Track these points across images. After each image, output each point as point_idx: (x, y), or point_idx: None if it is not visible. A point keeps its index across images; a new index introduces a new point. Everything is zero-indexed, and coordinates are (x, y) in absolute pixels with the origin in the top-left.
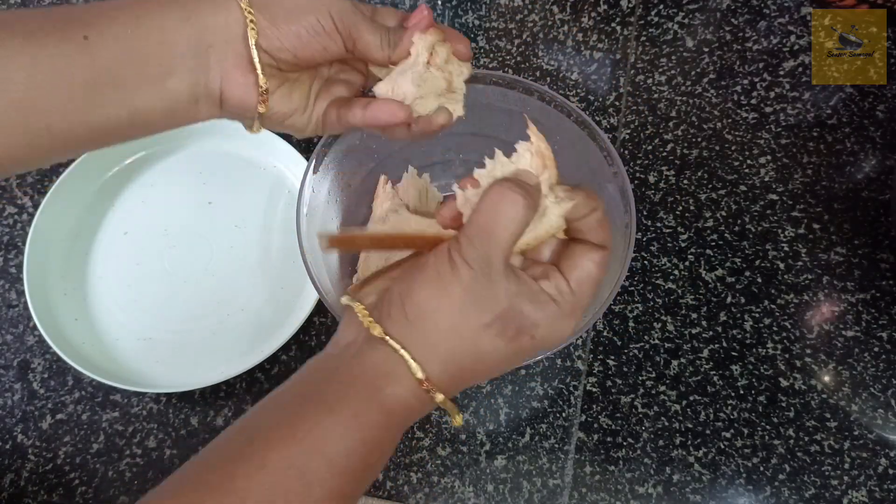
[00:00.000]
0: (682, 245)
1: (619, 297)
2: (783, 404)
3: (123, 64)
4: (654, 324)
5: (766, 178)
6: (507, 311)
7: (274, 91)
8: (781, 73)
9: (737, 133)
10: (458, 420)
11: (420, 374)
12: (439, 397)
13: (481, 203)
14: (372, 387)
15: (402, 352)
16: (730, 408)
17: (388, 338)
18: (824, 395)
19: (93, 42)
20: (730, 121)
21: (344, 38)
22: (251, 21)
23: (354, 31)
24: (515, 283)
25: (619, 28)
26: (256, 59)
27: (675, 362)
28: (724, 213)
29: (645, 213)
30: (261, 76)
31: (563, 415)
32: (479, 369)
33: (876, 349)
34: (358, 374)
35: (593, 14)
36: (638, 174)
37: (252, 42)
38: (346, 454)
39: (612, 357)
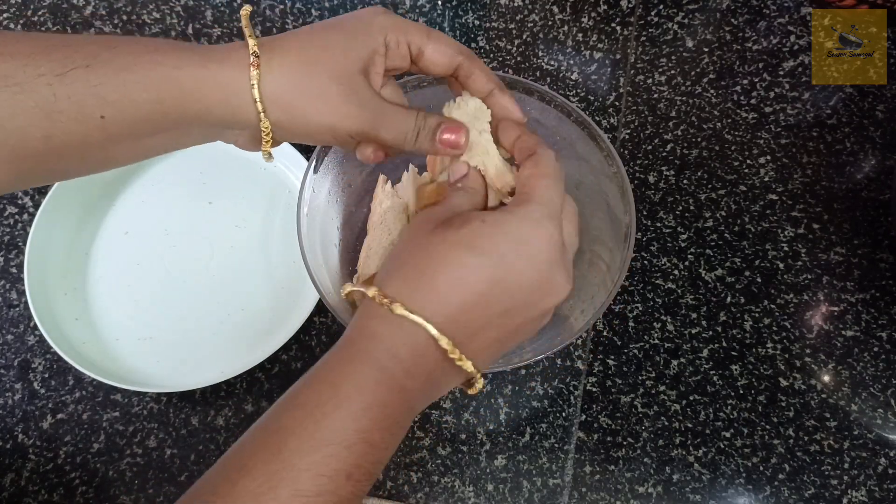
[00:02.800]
0: (682, 245)
1: (619, 297)
2: (783, 404)
3: (142, 125)
4: (654, 324)
5: (766, 178)
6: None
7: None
8: (781, 73)
9: (737, 133)
10: (478, 384)
11: (402, 312)
12: (443, 339)
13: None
14: (365, 352)
15: (395, 305)
16: (729, 407)
17: (383, 297)
18: (824, 395)
19: (111, 106)
20: (730, 121)
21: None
22: (266, 134)
23: (373, 138)
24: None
25: (619, 28)
26: (266, 154)
27: (674, 362)
28: (723, 213)
29: (645, 213)
30: (267, 154)
31: (563, 414)
32: (490, 314)
33: (876, 349)
34: (356, 345)
35: (593, 14)
36: (638, 174)
37: (266, 150)
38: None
39: (612, 357)
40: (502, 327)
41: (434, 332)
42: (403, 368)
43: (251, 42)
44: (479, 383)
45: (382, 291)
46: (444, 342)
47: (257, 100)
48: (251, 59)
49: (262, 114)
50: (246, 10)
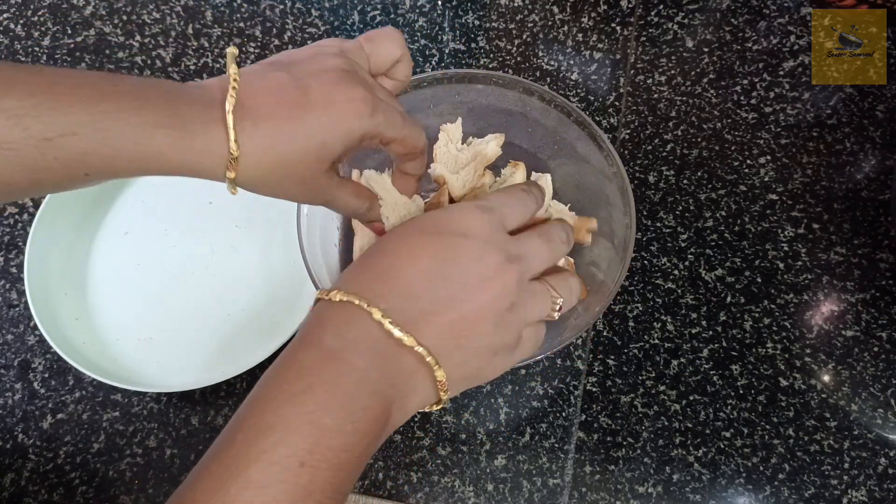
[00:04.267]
0: (682, 245)
1: (619, 297)
2: (783, 404)
3: (124, 177)
4: (654, 324)
5: (766, 178)
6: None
7: None
8: (781, 73)
9: (737, 133)
10: (438, 373)
11: (440, 376)
12: (376, 311)
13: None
14: (309, 337)
15: (429, 358)
16: (729, 407)
17: (419, 348)
18: (824, 395)
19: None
20: (730, 121)
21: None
22: (231, 184)
23: (329, 204)
24: None
25: (619, 28)
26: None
27: (674, 362)
28: (723, 213)
29: (645, 213)
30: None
31: (563, 414)
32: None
33: (876, 349)
34: (301, 336)
35: (593, 14)
36: (638, 174)
37: (230, 190)
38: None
39: (612, 357)
40: (447, 312)
41: (358, 301)
42: (347, 344)
43: (231, 138)
44: (439, 374)
45: (325, 290)
46: (377, 315)
47: (233, 190)
48: (228, 163)
49: (234, 191)
50: (232, 51)
